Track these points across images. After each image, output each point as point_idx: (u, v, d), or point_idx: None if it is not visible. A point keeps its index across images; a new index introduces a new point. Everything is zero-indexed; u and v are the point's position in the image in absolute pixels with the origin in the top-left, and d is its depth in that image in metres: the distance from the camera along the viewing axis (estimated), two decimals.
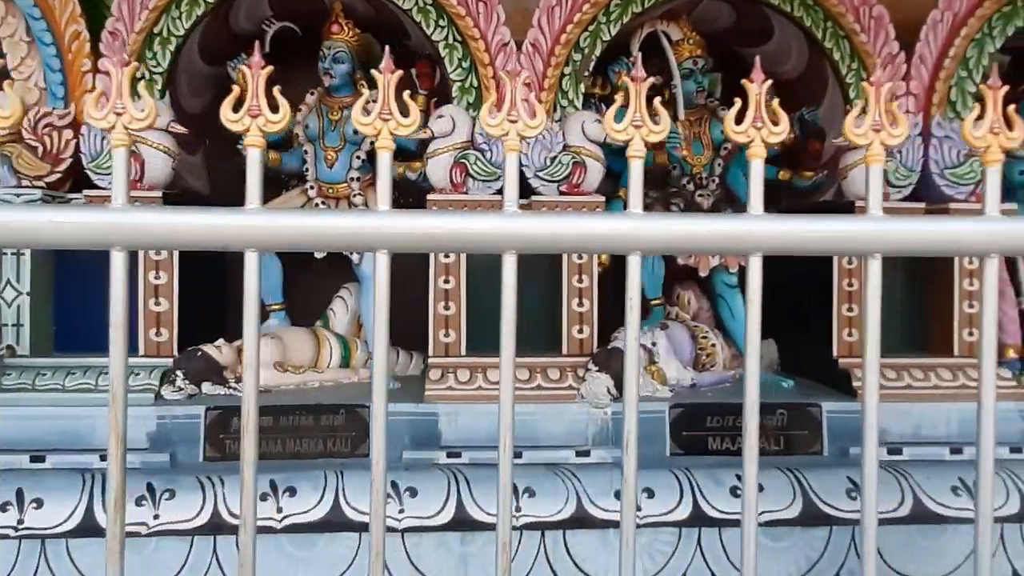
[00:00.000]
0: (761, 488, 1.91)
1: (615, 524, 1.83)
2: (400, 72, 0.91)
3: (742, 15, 2.39)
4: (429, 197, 2.19)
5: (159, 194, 2.12)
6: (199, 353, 2.13)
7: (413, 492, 1.86)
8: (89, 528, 1.76)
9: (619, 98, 0.94)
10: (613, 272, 2.25)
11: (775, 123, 0.92)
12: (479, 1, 2.16)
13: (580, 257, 2.18)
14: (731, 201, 2.59)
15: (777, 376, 2.45)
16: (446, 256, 2.14)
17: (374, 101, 0.90)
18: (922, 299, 2.41)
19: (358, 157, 2.46)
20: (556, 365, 2.18)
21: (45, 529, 1.76)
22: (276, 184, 2.59)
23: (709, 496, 1.90)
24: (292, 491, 1.84)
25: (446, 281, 2.19)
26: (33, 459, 1.92)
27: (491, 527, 1.83)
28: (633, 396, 0.92)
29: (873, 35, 2.26)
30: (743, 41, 2.50)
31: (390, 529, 1.81)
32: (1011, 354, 2.54)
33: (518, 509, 1.86)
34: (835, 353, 2.30)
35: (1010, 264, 2.56)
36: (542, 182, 2.20)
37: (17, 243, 0.85)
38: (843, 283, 2.28)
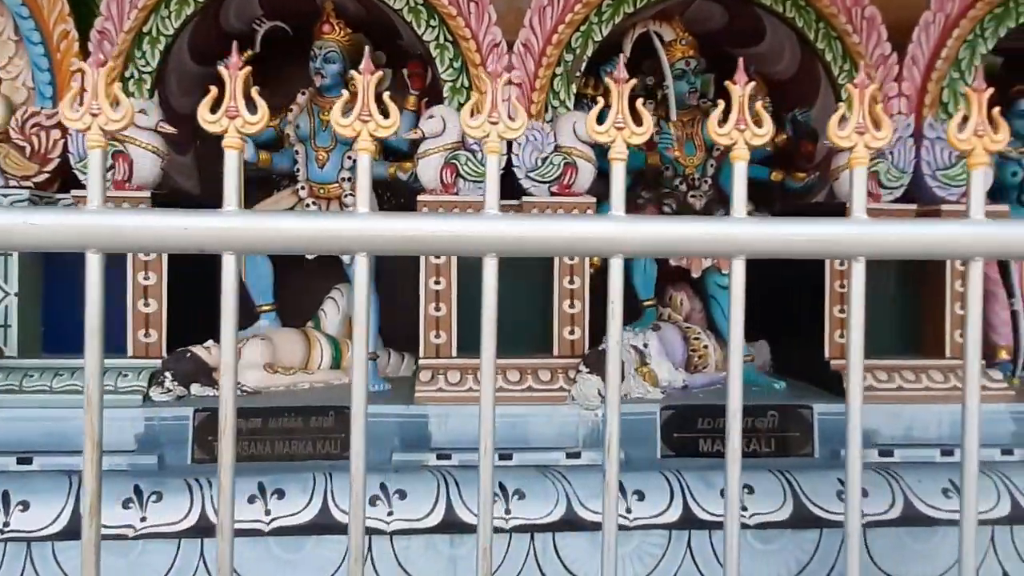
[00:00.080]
0: (751, 490, 1.91)
1: None
2: (380, 73, 0.90)
3: (734, 16, 2.39)
4: (419, 198, 2.18)
5: (147, 194, 2.11)
6: (188, 354, 2.12)
7: (402, 494, 1.85)
8: (76, 531, 1.74)
9: (601, 100, 0.93)
10: (605, 273, 2.24)
11: (759, 125, 0.91)
12: (470, 1, 2.16)
13: (571, 258, 2.17)
14: (724, 202, 2.58)
15: (769, 377, 2.45)
16: (436, 257, 2.13)
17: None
18: (914, 301, 2.41)
19: (349, 157, 2.45)
20: (547, 366, 2.17)
21: (31, 532, 1.74)
22: (267, 184, 2.58)
23: (699, 498, 1.89)
24: (280, 493, 1.83)
25: (437, 282, 2.18)
26: (20, 461, 1.91)
27: None
28: (615, 401, 0.91)
29: (865, 36, 2.25)
30: (736, 42, 2.49)
31: (379, 532, 1.80)
32: (1003, 355, 2.54)
33: (508, 511, 1.85)
34: (827, 355, 2.30)
35: (1002, 266, 2.57)
36: (533, 183, 2.19)
37: None
38: (835, 285, 2.27)
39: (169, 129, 2.14)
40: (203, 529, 1.76)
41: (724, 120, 0.92)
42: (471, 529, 1.82)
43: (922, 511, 1.91)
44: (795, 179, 2.48)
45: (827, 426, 2.13)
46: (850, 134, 0.91)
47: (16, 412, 1.96)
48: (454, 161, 2.18)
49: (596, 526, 1.91)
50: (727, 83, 0.93)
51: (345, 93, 0.96)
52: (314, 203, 2.43)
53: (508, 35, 2.18)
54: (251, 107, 0.88)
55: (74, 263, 2.15)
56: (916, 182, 2.29)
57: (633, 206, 2.57)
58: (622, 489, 1.89)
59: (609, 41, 2.28)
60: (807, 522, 1.89)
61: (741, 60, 0.94)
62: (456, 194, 2.18)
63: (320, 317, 2.54)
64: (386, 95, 0.91)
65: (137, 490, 1.80)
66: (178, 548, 1.76)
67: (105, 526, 1.73)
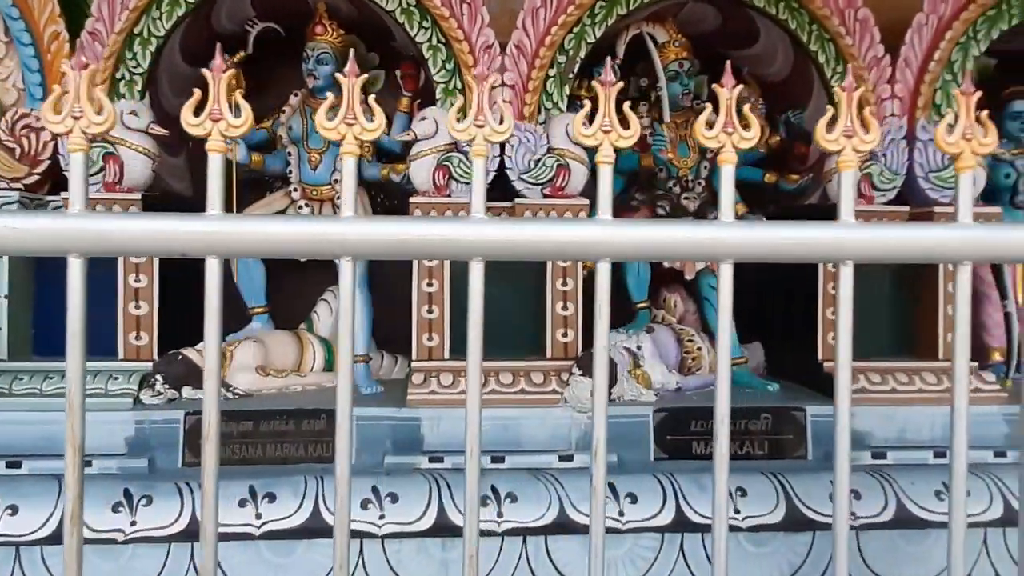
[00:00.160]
0: (744, 493, 1.91)
1: None
2: (365, 76, 0.89)
3: (728, 18, 2.39)
4: (412, 200, 2.18)
5: (138, 196, 2.10)
6: (179, 357, 2.11)
7: (394, 498, 1.84)
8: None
9: (588, 103, 0.93)
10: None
11: (746, 128, 0.90)
12: (463, 2, 2.15)
13: (563, 260, 2.17)
14: (717, 204, 2.58)
15: (763, 379, 2.45)
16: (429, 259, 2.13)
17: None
18: (908, 302, 2.41)
19: (342, 159, 2.44)
20: (540, 369, 2.16)
21: (20, 536, 1.73)
22: (260, 186, 2.57)
23: (692, 501, 1.89)
24: (272, 497, 1.82)
25: (429, 284, 2.18)
26: (9, 465, 1.90)
27: None
28: (602, 406, 0.91)
29: (858, 38, 2.25)
30: (729, 44, 2.49)
31: (370, 535, 1.79)
32: (996, 357, 2.54)
33: (500, 514, 1.84)
34: (820, 357, 2.30)
35: (995, 268, 2.57)
36: (526, 185, 2.19)
37: None
38: (828, 287, 2.27)
39: (160, 131, 2.13)
40: (193, 533, 1.75)
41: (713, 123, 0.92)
42: (463, 532, 1.82)
43: (915, 513, 1.91)
44: (788, 181, 2.48)
45: (820, 428, 2.12)
46: (838, 137, 0.91)
47: (5, 415, 1.95)
48: (447, 163, 2.17)
49: (588, 529, 1.91)
50: (714, 86, 0.93)
51: (330, 96, 0.95)
52: (307, 205, 2.42)
53: (501, 37, 2.18)
54: (237, 110, 0.87)
55: (65, 266, 2.14)
56: (909, 184, 2.29)
57: (627, 208, 2.57)
58: (615, 492, 1.89)
59: (602, 43, 2.28)
60: (800, 525, 1.88)
61: (728, 63, 0.93)
62: (449, 196, 2.18)
63: (313, 319, 2.53)
64: (371, 98, 0.91)
65: (127, 494, 1.79)
66: (168, 552, 1.75)
67: (94, 530, 1.73)
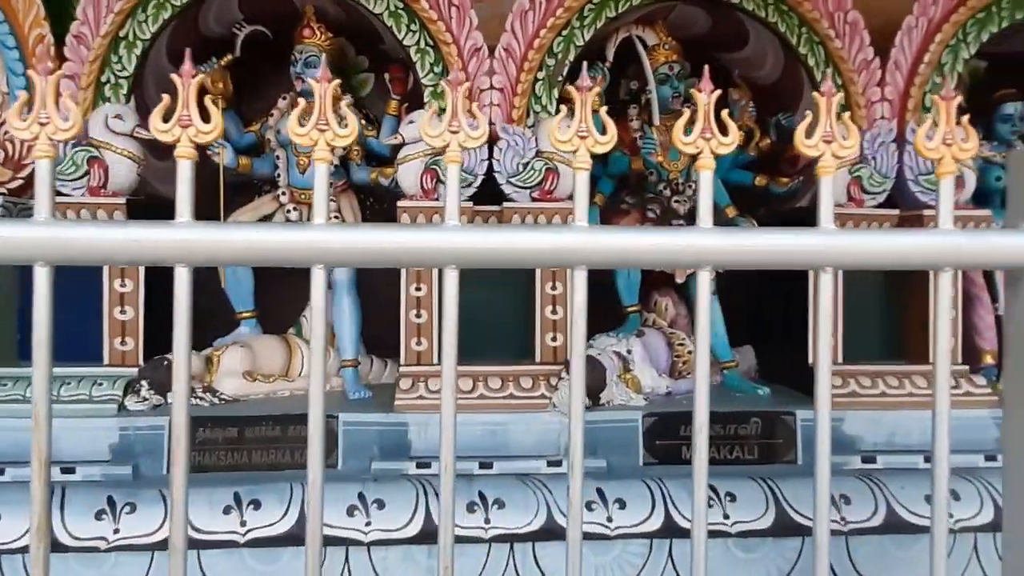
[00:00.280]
0: (733, 498, 1.90)
1: (586, 536, 1.80)
2: (338, 80, 0.88)
3: (717, 21, 2.38)
4: (399, 203, 2.17)
5: (123, 201, 2.09)
6: (165, 362, 2.09)
7: (380, 504, 1.83)
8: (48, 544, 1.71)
9: (564, 109, 0.92)
10: (588, 277, 2.23)
11: (725, 133, 0.89)
12: (451, 5, 2.14)
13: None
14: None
15: (754, 383, 2.44)
16: None
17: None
18: (899, 306, 2.40)
19: (331, 162, 2.42)
20: (528, 373, 2.15)
21: (2, 544, 1.71)
22: (248, 190, 2.56)
23: (681, 507, 1.87)
24: (256, 504, 1.81)
25: (418, 289, 2.17)
26: None
27: (461, 540, 1.80)
28: (579, 412, 0.89)
29: (848, 41, 2.25)
30: (719, 47, 2.49)
31: (356, 542, 1.78)
32: (988, 360, 2.53)
33: (487, 520, 1.83)
34: (811, 360, 2.28)
35: (987, 270, 2.56)
36: (514, 188, 2.18)
37: None
38: None
39: (146, 134, 2.11)
40: None
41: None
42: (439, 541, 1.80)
43: (905, 518, 1.90)
44: (779, 184, 2.48)
45: (811, 433, 2.07)
46: (817, 143, 0.90)
47: None
48: (434, 167, 2.16)
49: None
50: (692, 90, 0.92)
51: (301, 102, 0.94)
52: (295, 209, 2.41)
53: (490, 40, 2.17)
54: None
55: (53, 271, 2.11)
56: (899, 187, 2.28)
57: (617, 211, 2.56)
58: (603, 497, 1.88)
59: (592, 46, 2.27)
60: (789, 530, 1.87)
61: (706, 68, 0.92)
62: (436, 199, 2.17)
63: (302, 324, 2.51)
64: (344, 103, 0.89)
65: (110, 501, 1.77)
66: (151, 561, 1.73)
67: (77, 538, 1.72)
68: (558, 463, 2.01)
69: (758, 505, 1.89)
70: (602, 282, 2.46)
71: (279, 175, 2.44)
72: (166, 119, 0.85)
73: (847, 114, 0.99)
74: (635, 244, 0.87)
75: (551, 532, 1.82)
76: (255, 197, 2.53)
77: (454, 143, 0.87)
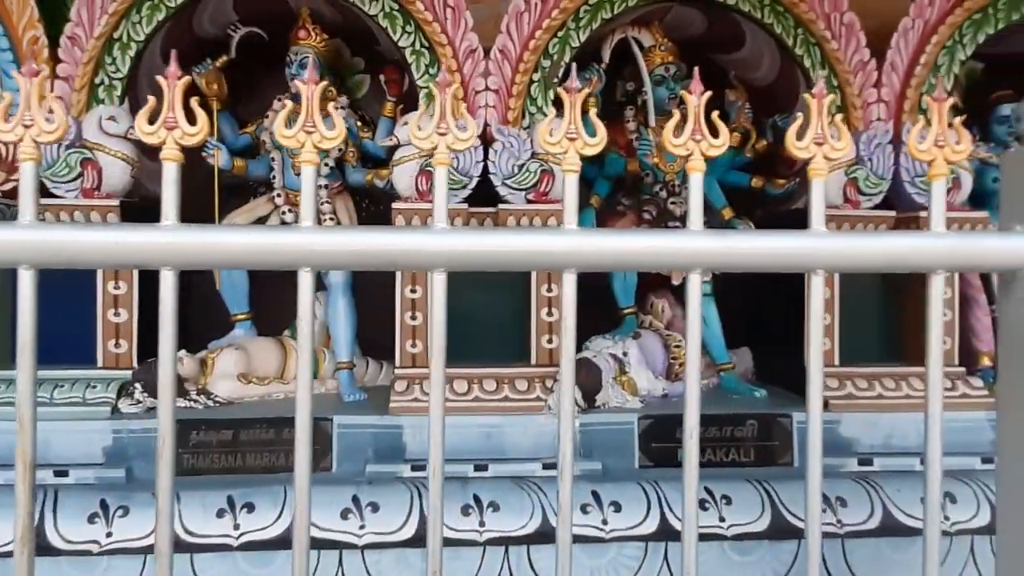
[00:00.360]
0: (729, 500, 1.89)
1: (581, 539, 1.79)
2: (324, 83, 0.88)
3: (713, 22, 2.38)
4: (394, 205, 2.16)
5: (116, 203, 2.08)
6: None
7: (375, 507, 1.82)
8: (39, 547, 1.70)
9: (552, 111, 0.91)
10: (584, 279, 2.22)
11: (715, 135, 0.89)
12: (447, 7, 2.14)
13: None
14: (706, 208, 2.56)
15: (750, 385, 2.43)
16: None
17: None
18: (897, 308, 2.39)
19: (326, 164, 2.42)
20: (524, 376, 2.15)
21: None
22: (243, 192, 2.55)
23: (677, 510, 1.87)
24: (250, 507, 1.80)
25: (412, 291, 2.16)
26: None
27: (455, 543, 1.79)
28: (568, 419, 0.89)
29: (844, 42, 2.24)
30: (716, 48, 2.48)
31: (350, 545, 1.77)
32: (985, 362, 2.52)
33: (482, 523, 1.82)
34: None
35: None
36: (509, 190, 2.17)
37: None
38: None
39: (139, 136, 2.10)
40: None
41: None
42: (445, 542, 1.79)
43: (901, 521, 1.89)
44: (775, 186, 2.47)
45: (807, 435, 2.10)
46: (808, 145, 0.89)
47: None
48: (430, 168, 2.15)
49: (572, 539, 1.88)
50: (682, 92, 0.91)
51: (288, 104, 0.93)
52: (290, 211, 2.40)
53: (485, 41, 2.16)
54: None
55: (44, 272, 2.12)
56: (895, 189, 2.28)
57: (613, 213, 2.55)
58: (598, 500, 1.87)
59: (588, 48, 2.26)
60: (785, 533, 1.86)
61: (696, 70, 0.92)
62: (431, 202, 2.15)
63: (297, 326, 2.50)
64: (330, 106, 0.89)
65: (103, 504, 1.77)
66: (144, 564, 1.72)
67: (69, 541, 1.71)
68: (553, 466, 2.01)
69: (754, 508, 1.89)
70: (598, 284, 2.46)
71: (274, 177, 2.43)
72: (152, 121, 0.84)
73: (840, 116, 0.98)
74: (625, 247, 0.87)
75: (546, 535, 1.82)
76: (251, 199, 2.52)
77: (442, 145, 0.87)
